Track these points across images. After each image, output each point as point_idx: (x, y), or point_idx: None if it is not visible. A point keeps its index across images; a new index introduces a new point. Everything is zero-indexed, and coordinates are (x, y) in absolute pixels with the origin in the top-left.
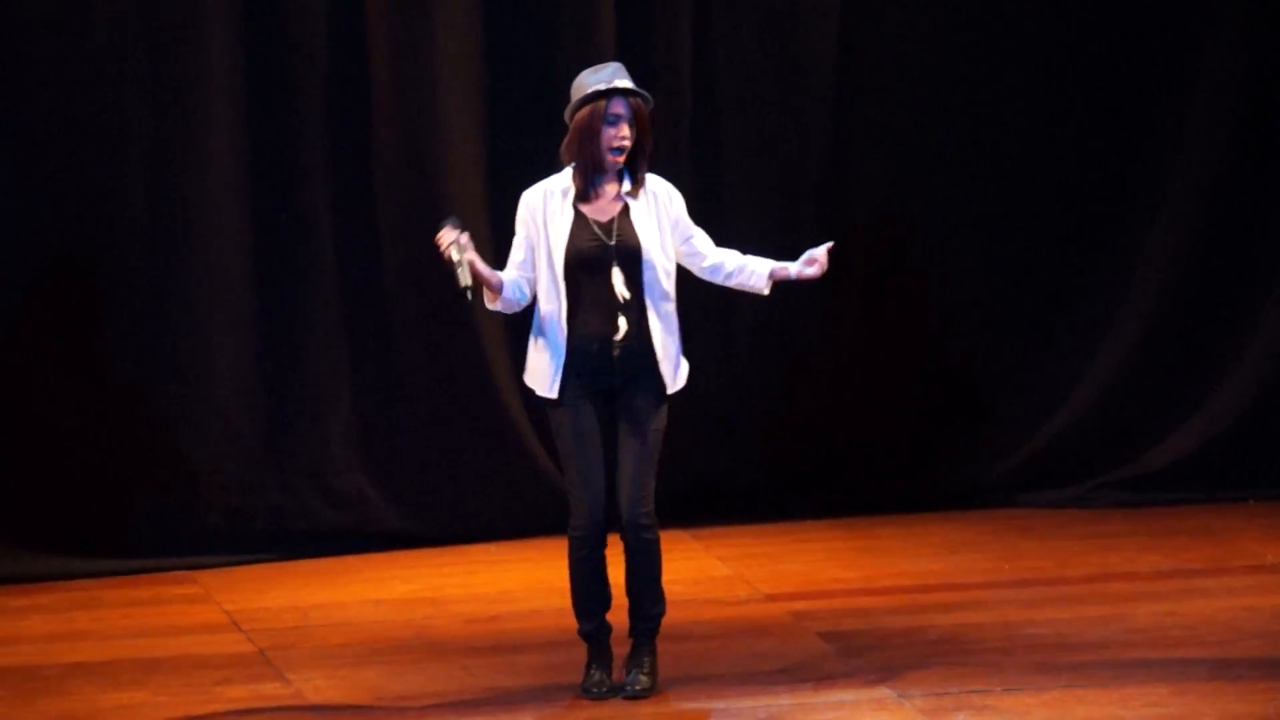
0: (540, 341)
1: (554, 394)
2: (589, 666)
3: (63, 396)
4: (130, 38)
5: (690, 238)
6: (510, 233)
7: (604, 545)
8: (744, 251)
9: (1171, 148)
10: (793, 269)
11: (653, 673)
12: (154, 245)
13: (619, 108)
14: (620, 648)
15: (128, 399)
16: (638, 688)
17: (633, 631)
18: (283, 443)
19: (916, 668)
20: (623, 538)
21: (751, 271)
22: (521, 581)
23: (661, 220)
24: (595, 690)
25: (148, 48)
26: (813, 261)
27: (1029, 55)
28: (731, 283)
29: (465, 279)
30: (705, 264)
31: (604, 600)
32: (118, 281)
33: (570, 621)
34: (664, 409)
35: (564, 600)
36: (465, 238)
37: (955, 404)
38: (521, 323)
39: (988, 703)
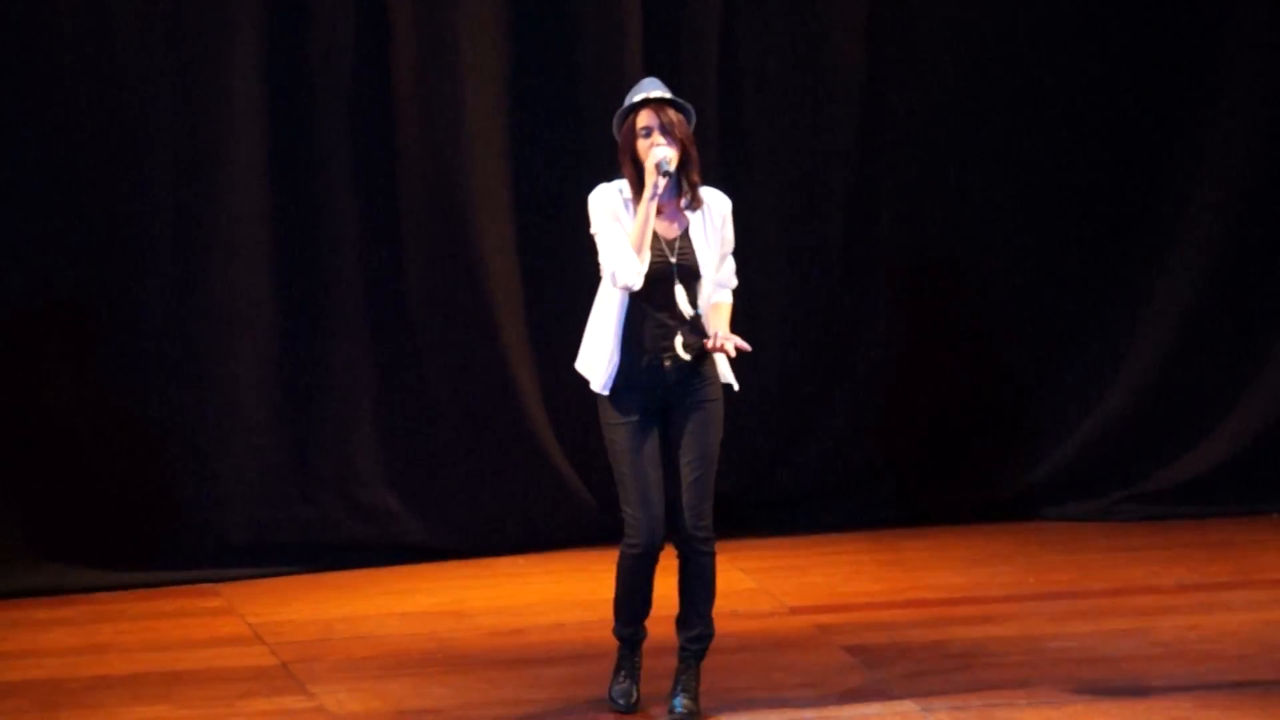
0: (597, 337)
1: (605, 392)
2: (618, 671)
3: (86, 409)
4: (155, 45)
5: (724, 250)
6: (540, 240)
7: (654, 561)
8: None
9: (1196, 157)
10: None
11: (697, 697)
12: (179, 259)
13: (648, 120)
14: (650, 659)
15: (151, 412)
16: (682, 712)
17: (681, 653)
18: (307, 455)
19: (940, 681)
20: (679, 550)
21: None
22: (545, 595)
23: (715, 239)
24: (622, 701)
25: (173, 59)
26: (719, 343)
27: (1056, 73)
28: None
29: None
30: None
31: (647, 608)
32: (143, 294)
33: (594, 635)
34: (722, 419)
35: (588, 613)
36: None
37: (979, 418)
38: (545, 333)
39: (1011, 716)
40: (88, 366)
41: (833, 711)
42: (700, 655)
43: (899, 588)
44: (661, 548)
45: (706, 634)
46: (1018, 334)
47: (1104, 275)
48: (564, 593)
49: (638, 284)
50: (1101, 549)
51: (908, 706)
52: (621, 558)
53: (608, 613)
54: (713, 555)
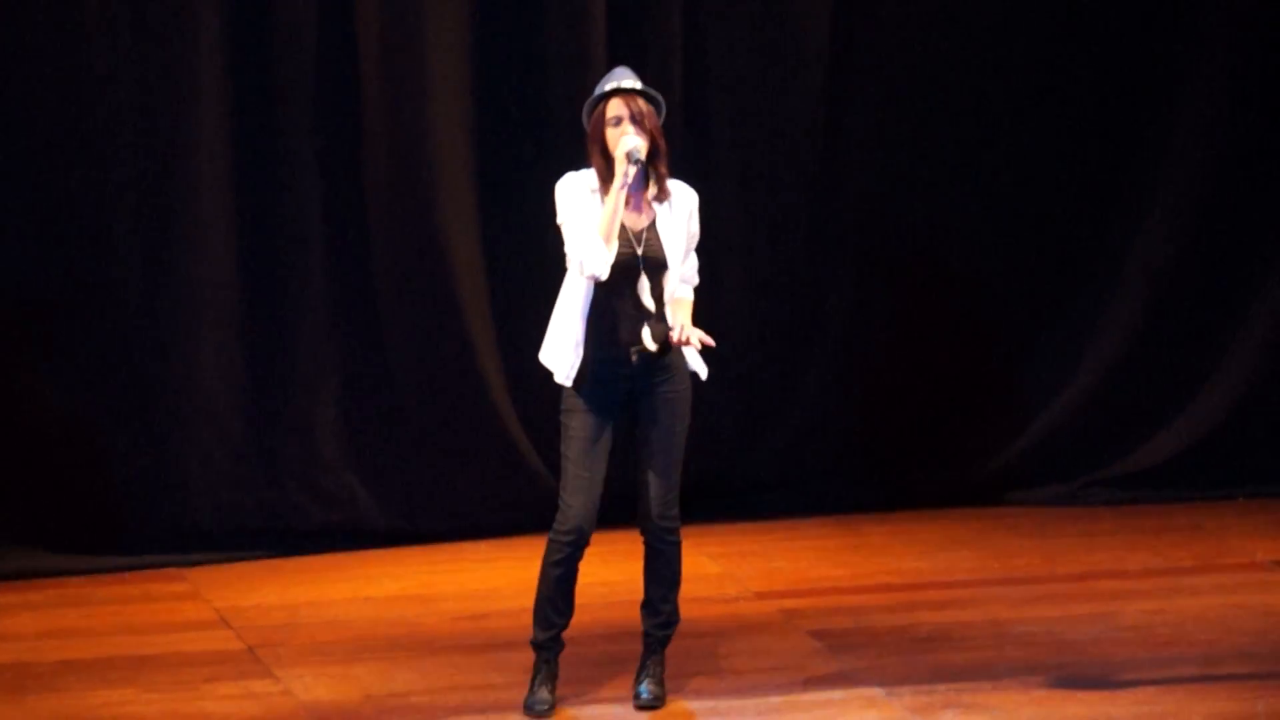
0: (561, 328)
1: (568, 383)
2: (534, 683)
3: (50, 394)
4: (120, 31)
5: (689, 247)
6: (506, 229)
7: (580, 556)
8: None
9: (1160, 148)
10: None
11: (662, 683)
12: (141, 242)
13: (618, 109)
14: (615, 645)
15: (116, 396)
16: (648, 698)
17: (646, 639)
18: (272, 440)
19: (905, 665)
20: (646, 539)
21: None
22: (511, 580)
23: (682, 231)
24: (540, 708)
25: (136, 43)
26: (684, 337)
27: (1022, 52)
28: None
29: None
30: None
31: (566, 612)
32: (107, 280)
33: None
34: (689, 408)
35: None
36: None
37: (945, 403)
38: (510, 320)
39: (976, 700)
40: (52, 352)
41: (798, 696)
42: (665, 641)
43: (864, 572)
44: (587, 543)
45: (672, 620)
46: (983, 320)
47: (1070, 261)
48: (529, 578)
49: (604, 273)
50: (1067, 534)
51: (873, 691)
52: (548, 548)
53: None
54: (679, 544)
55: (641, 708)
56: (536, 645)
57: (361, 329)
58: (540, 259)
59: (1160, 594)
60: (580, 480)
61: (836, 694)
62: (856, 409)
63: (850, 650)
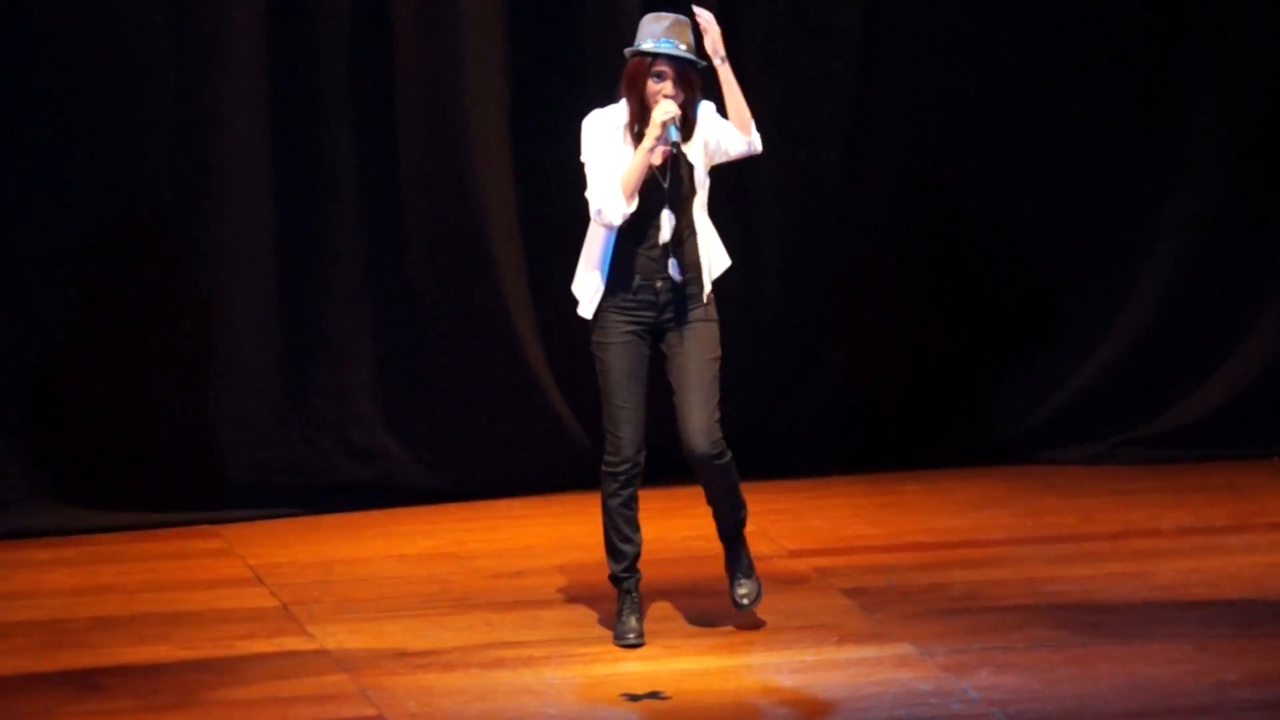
0: (589, 262)
1: (589, 315)
2: (620, 615)
3: (85, 352)
4: (155, 13)
5: (720, 141)
6: (540, 184)
7: (635, 484)
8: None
9: (1196, 105)
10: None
11: (754, 575)
12: (176, 202)
13: (664, 65)
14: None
15: (150, 353)
16: (747, 602)
17: (723, 538)
18: (306, 397)
19: (939, 624)
20: (696, 469)
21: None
22: (545, 537)
23: (705, 149)
24: (629, 637)
25: (175, 10)
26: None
27: (1061, 13)
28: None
29: (676, 136)
30: (734, 153)
31: (632, 539)
32: (143, 237)
33: (592, 577)
34: (717, 339)
35: (586, 555)
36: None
37: (979, 360)
38: (543, 276)
39: (1010, 659)
40: (86, 312)
41: (831, 654)
42: (740, 531)
43: (898, 531)
44: (640, 470)
45: (740, 514)
46: (1018, 279)
47: (1104, 218)
48: (563, 535)
49: (618, 223)
50: (1101, 493)
51: (906, 649)
52: (603, 482)
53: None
54: (729, 463)
55: (745, 609)
56: (614, 579)
57: (395, 285)
58: (575, 214)
59: (1195, 553)
60: (622, 411)
61: (870, 652)
62: (890, 367)
63: (883, 609)
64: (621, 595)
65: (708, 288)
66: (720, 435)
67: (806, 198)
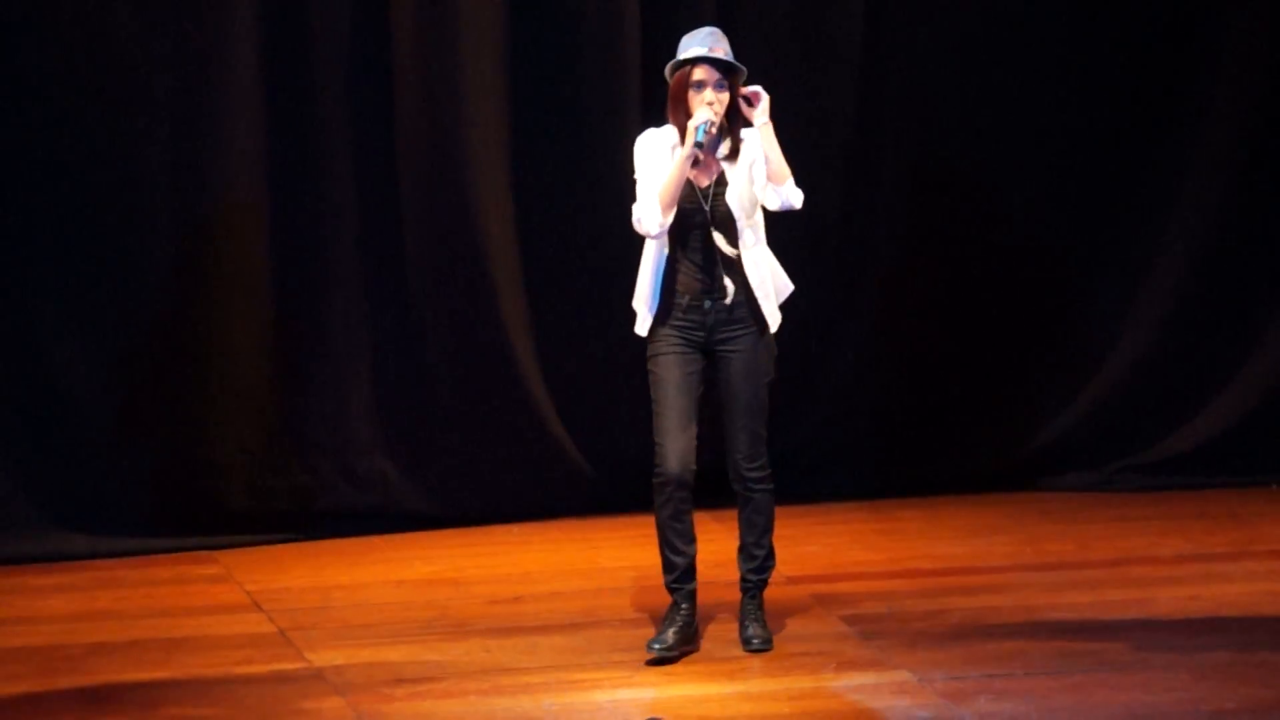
0: (644, 278)
1: (643, 332)
2: (662, 622)
3: (85, 376)
4: (153, 5)
5: (758, 178)
6: (539, 209)
7: (685, 496)
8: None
9: (1194, 132)
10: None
11: (765, 624)
12: (175, 224)
13: (702, 74)
14: (705, 618)
15: (150, 379)
16: (759, 644)
17: (744, 584)
18: (305, 423)
19: (938, 651)
20: (737, 490)
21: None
22: (543, 563)
23: (752, 173)
24: (654, 648)
25: (171, 18)
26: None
27: (1066, 22)
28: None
29: (702, 137)
30: (771, 205)
31: (683, 550)
32: (140, 260)
33: (591, 603)
34: (770, 360)
35: (585, 581)
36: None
37: (977, 387)
38: (543, 301)
39: (1009, 686)
40: (85, 335)
41: (830, 681)
42: (762, 585)
43: (897, 557)
44: (689, 482)
45: (768, 564)
46: (1016, 305)
47: (1103, 243)
48: (561, 561)
49: (656, 233)
50: (1100, 520)
51: (905, 676)
52: (654, 492)
53: (605, 581)
54: (770, 491)
55: (754, 652)
56: (668, 589)
57: (394, 311)
58: (574, 239)
59: (1194, 580)
60: (670, 423)
61: (868, 679)
62: (889, 393)
63: (882, 636)
64: (670, 608)
65: (766, 311)
66: (765, 460)
67: (806, 223)
